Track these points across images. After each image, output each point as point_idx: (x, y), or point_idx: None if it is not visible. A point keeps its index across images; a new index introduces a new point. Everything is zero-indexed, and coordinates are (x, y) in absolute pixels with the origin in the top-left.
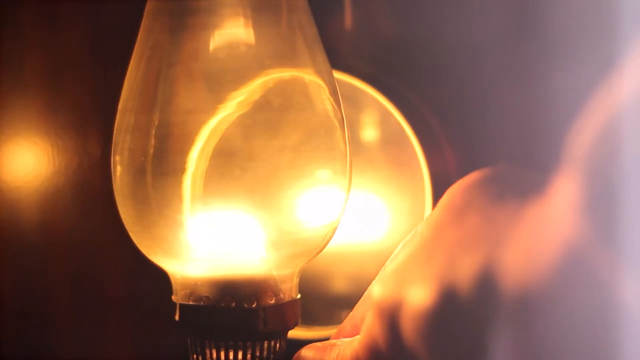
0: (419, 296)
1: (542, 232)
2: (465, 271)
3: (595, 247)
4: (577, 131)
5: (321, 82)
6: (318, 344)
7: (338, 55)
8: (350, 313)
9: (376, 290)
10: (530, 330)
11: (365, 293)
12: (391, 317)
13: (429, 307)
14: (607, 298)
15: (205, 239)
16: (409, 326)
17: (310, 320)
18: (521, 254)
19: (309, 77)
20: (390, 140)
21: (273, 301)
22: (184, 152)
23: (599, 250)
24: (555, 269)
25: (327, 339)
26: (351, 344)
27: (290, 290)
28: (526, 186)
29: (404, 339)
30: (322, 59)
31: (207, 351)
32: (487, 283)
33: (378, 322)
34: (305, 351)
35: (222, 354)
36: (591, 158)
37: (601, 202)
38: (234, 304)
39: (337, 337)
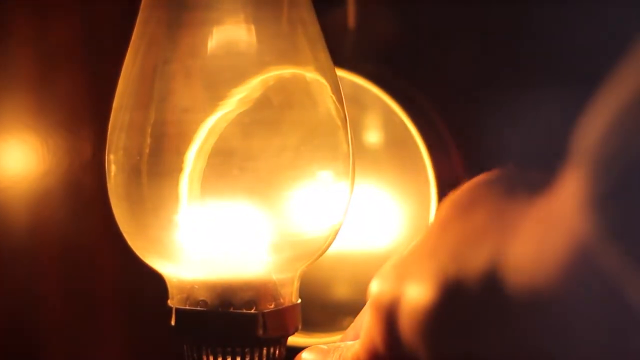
0: (420, 291)
1: (551, 227)
2: (471, 266)
3: (605, 243)
4: (587, 123)
5: (323, 80)
6: (320, 346)
7: (341, 53)
8: (354, 321)
9: (374, 286)
10: (537, 327)
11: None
12: (389, 314)
13: (430, 303)
14: (618, 295)
15: (202, 241)
16: (408, 323)
17: (311, 326)
18: (529, 249)
19: (310, 75)
20: (395, 140)
21: (272, 306)
22: (180, 151)
23: (609, 246)
24: (564, 264)
25: None
26: (353, 346)
27: (290, 295)
28: (536, 185)
29: (403, 337)
30: (324, 56)
31: (204, 358)
32: (493, 278)
33: (375, 320)
34: (306, 354)
35: None
36: (601, 150)
37: (612, 196)
38: (232, 309)
39: None
